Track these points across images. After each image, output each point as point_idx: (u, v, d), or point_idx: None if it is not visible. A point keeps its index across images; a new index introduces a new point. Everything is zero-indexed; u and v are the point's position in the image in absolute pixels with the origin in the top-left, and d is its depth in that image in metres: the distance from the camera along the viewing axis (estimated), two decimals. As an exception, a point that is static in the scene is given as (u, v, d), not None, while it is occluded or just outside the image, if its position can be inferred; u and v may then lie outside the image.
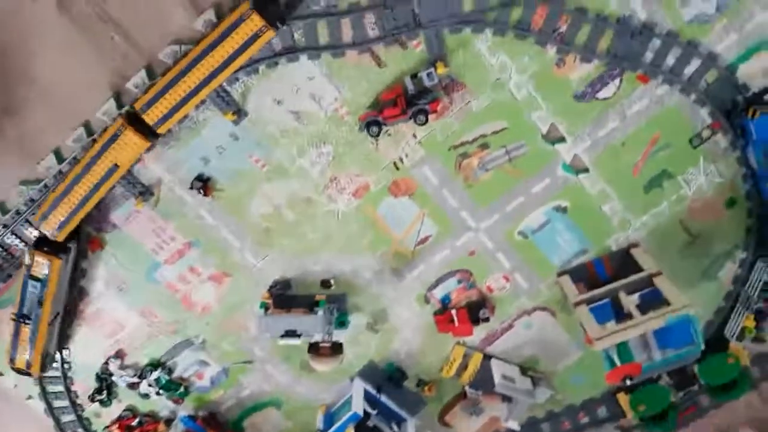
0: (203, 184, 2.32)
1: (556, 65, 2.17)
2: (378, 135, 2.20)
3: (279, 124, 2.27)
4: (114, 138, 2.15)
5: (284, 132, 2.28)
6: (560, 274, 2.50)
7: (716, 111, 2.20)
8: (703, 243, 2.44)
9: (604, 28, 2.11)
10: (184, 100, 2.11)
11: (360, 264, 2.51)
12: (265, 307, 2.44)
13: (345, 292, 2.58)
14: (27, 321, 2.37)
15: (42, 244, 2.29)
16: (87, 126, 2.21)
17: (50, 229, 2.26)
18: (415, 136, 2.29)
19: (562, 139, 2.29)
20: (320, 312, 2.44)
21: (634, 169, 2.32)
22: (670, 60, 2.15)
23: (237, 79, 2.18)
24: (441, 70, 2.13)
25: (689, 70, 2.16)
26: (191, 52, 2.05)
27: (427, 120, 2.18)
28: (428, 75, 2.14)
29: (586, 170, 2.33)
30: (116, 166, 2.21)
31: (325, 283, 2.56)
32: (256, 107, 2.24)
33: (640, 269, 2.35)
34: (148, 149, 2.22)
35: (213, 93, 2.17)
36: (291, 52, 2.17)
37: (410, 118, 2.17)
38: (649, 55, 2.15)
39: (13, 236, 2.33)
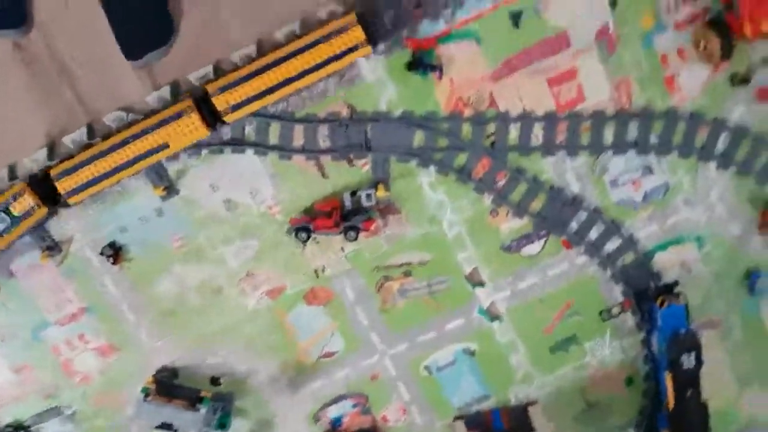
0: (114, 252, 2.26)
1: (490, 214, 2.27)
2: (306, 241, 2.21)
3: (209, 209, 2.26)
4: (177, 116, 2.08)
5: (213, 217, 2.27)
6: (457, 418, 2.50)
7: (629, 291, 2.32)
8: (598, 414, 2.50)
9: (538, 191, 2.23)
10: (261, 95, 2.10)
11: (257, 366, 2.45)
12: (147, 392, 2.33)
13: (233, 392, 2.49)
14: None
15: (36, 187, 2.18)
16: (12, 169, 2.12)
17: (67, 187, 2.17)
18: (342, 249, 2.31)
19: (482, 284, 2.36)
20: (203, 410, 2.35)
21: (548, 327, 2.40)
22: (593, 234, 2.28)
23: (177, 158, 2.16)
24: (381, 193, 2.20)
25: (609, 247, 2.28)
26: (278, 50, 2.04)
27: (357, 237, 2.21)
28: (367, 196, 2.20)
29: (500, 319, 2.38)
30: (166, 145, 2.12)
31: (215, 381, 2.47)
32: (191, 188, 2.24)
33: (533, 429, 2.37)
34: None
35: (149, 166, 2.12)
36: (238, 144, 2.20)
37: (341, 233, 2.19)
38: (574, 225, 2.28)
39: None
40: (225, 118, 2.09)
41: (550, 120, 2.17)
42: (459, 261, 2.33)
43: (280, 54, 2.02)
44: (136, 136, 2.10)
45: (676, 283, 2.25)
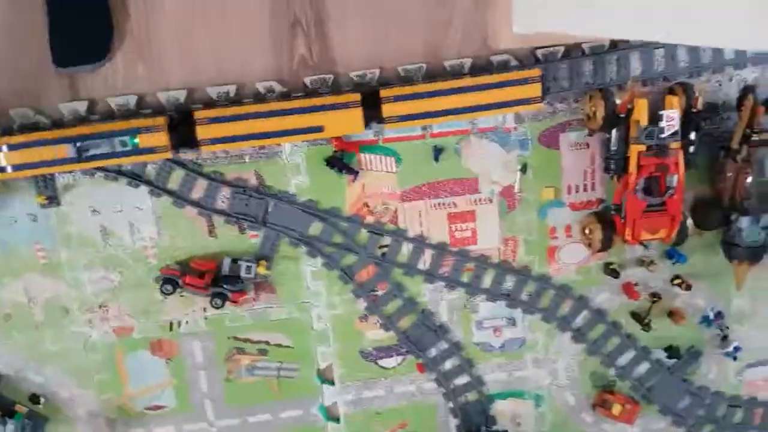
0: (-29, 244, 2.13)
1: (360, 318, 2.34)
2: (170, 294, 2.16)
3: (83, 230, 2.21)
4: (343, 106, 2.03)
5: (83, 239, 2.21)
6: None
7: (462, 427, 2.44)
8: None
9: (410, 311, 2.33)
10: (425, 115, 2.09)
11: (80, 398, 2.35)
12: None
13: (49, 416, 2.36)
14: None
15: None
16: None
17: (206, 134, 2.06)
18: (205, 310, 2.30)
19: (332, 382, 2.40)
20: (11, 425, 2.23)
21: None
22: (448, 365, 2.41)
23: (71, 172, 2.08)
24: (262, 269, 2.23)
25: (458, 382, 2.43)
26: (464, 79, 2.07)
27: (223, 305, 2.21)
28: (248, 267, 2.22)
29: (337, 420, 2.43)
30: (321, 128, 2.04)
31: (35, 399, 2.37)
32: (72, 205, 2.20)
33: None
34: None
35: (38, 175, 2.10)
36: (136, 178, 2.16)
37: (208, 296, 2.18)
38: (433, 352, 2.40)
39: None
40: (385, 124, 2.11)
41: (440, 251, 2.29)
42: (316, 354, 2.37)
43: (461, 84, 2.10)
44: (295, 111, 2.05)
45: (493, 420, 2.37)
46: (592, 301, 2.43)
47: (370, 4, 2.15)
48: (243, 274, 2.27)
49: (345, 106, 2.05)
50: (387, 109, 2.08)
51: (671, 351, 2.43)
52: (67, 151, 2.03)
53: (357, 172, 2.24)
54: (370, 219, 2.31)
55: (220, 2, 2.10)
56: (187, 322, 2.37)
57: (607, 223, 2.24)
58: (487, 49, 2.18)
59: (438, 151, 2.25)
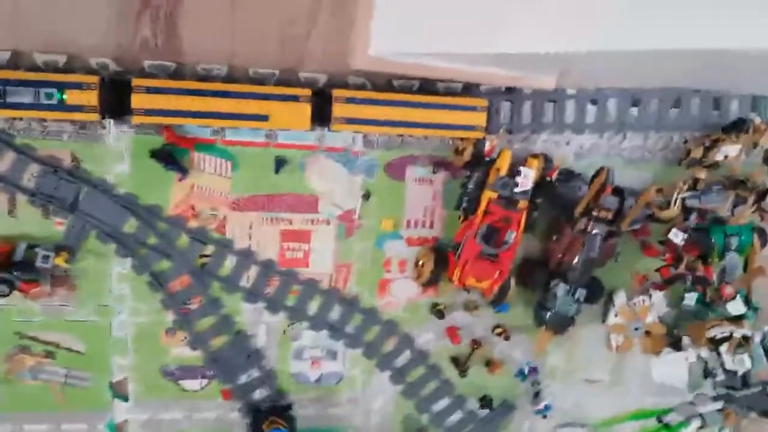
0: None
1: (166, 332, 2.16)
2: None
3: None
4: (291, 98, 2.01)
5: None
6: None
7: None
8: None
9: (223, 331, 2.25)
10: (371, 122, 2.10)
11: None
12: None
13: None
14: None
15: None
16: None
17: (141, 103, 1.89)
18: (-11, 298, 2.02)
19: (125, 398, 2.19)
20: None
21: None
22: (257, 395, 2.37)
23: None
24: (61, 261, 2.04)
25: (263, 406, 2.27)
26: (413, 95, 2.10)
27: (9, 294, 1.97)
28: (45, 257, 2.01)
29: (126, 441, 2.21)
30: (265, 117, 2.00)
31: None
32: None
33: None
34: None
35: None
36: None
37: (-6, 281, 1.93)
38: (243, 379, 2.37)
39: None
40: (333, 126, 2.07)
41: (267, 269, 2.18)
42: (112, 365, 2.16)
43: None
44: (241, 95, 1.94)
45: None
46: (415, 340, 2.41)
47: (226, 2, 2.05)
48: (38, 263, 2.05)
49: (295, 99, 2.00)
50: (337, 110, 2.05)
51: (484, 401, 2.44)
52: None
53: (186, 171, 2.10)
54: (194, 224, 2.17)
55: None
56: (-36, 309, 2.08)
57: (440, 258, 2.26)
58: (345, 68, 2.13)
59: (280, 163, 2.17)
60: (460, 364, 2.40)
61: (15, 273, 2.04)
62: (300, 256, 2.29)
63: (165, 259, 2.18)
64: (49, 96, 1.87)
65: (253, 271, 2.26)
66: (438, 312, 2.35)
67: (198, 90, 1.95)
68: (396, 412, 2.46)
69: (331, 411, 2.44)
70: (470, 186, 2.18)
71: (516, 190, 2.12)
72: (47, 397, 2.23)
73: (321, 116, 2.11)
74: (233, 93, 1.98)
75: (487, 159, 2.18)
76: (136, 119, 1.93)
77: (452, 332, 2.39)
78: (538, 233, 2.37)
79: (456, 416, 2.49)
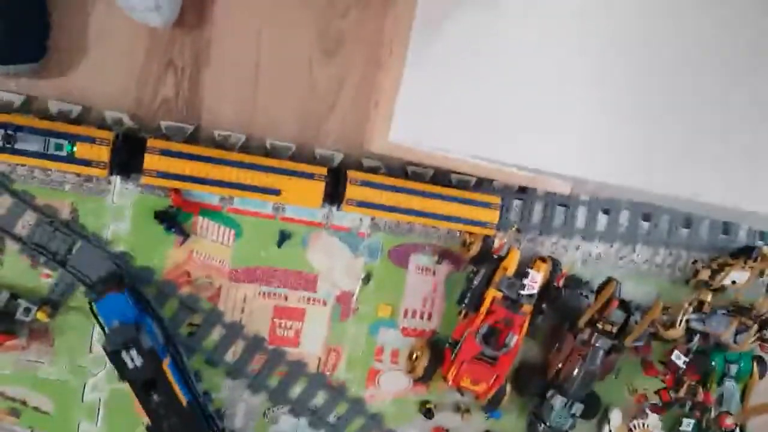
0: None
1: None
2: None
3: None
4: (308, 176, 2.01)
5: None
6: None
7: None
8: None
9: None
10: (385, 208, 2.11)
11: None
12: None
13: None
14: None
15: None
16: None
17: (153, 165, 1.88)
18: (-42, 345, 1.92)
19: (87, 467, 2.06)
20: None
21: None
22: None
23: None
24: (42, 316, 1.95)
25: None
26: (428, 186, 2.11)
27: (-18, 344, 1.86)
28: (26, 310, 1.96)
29: None
30: (277, 191, 1.98)
31: None
32: None
33: None
34: None
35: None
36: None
37: (-34, 330, 1.84)
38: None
39: None
40: (344, 206, 2.08)
41: (255, 345, 2.11)
42: (78, 430, 2.04)
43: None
44: (254, 167, 1.93)
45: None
46: (398, 439, 2.30)
47: (250, 69, 2.08)
48: (19, 315, 1.98)
49: (310, 176, 1.99)
50: (350, 192, 2.03)
51: None
52: None
53: (188, 236, 2.05)
54: (186, 290, 2.10)
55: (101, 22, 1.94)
56: (-70, 355, 1.98)
57: (436, 354, 2.19)
58: (361, 150, 2.13)
59: (284, 237, 2.14)
60: (443, 471, 2.31)
61: (-6, 323, 1.96)
62: (291, 335, 2.23)
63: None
64: (59, 147, 1.84)
65: (239, 346, 2.19)
66: (427, 411, 2.28)
67: (213, 158, 1.93)
68: (371, 507, 2.35)
69: (301, 506, 2.32)
70: (476, 282, 2.15)
71: (522, 292, 2.09)
72: (5, 459, 2.10)
73: (332, 194, 2.09)
74: (248, 164, 1.96)
75: (495, 256, 2.16)
76: (146, 180, 1.90)
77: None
78: (539, 340, 2.32)
79: None
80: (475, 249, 2.19)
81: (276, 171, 2.00)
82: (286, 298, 2.24)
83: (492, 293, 2.15)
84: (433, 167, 2.21)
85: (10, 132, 1.83)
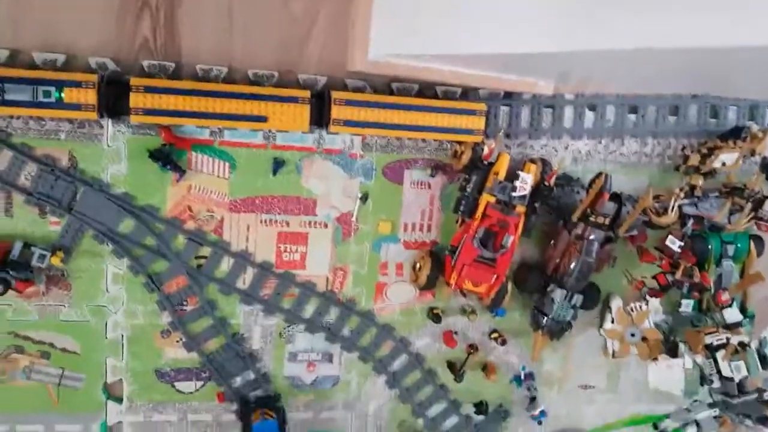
0: None
1: (162, 334, 2.17)
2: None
3: None
4: (291, 100, 2.05)
5: None
6: None
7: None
8: None
9: (219, 332, 2.22)
10: (372, 125, 2.12)
11: None
12: None
13: None
14: None
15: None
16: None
17: (139, 103, 1.91)
18: (-16, 297, 2.03)
19: (119, 400, 2.20)
20: None
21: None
22: (252, 398, 2.25)
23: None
24: (56, 261, 2.04)
25: (251, 397, 2.32)
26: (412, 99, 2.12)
27: (4, 293, 1.98)
28: (41, 256, 2.02)
29: (119, 442, 2.22)
30: (264, 118, 2.01)
31: None
32: None
33: None
34: None
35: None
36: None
37: (-12, 280, 1.95)
38: (238, 381, 2.31)
39: None
40: (331, 127, 2.10)
41: (264, 271, 2.20)
42: (106, 366, 2.18)
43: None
44: (239, 95, 1.96)
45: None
46: (412, 344, 2.42)
47: (223, 2, 2.09)
48: (34, 262, 2.06)
49: (294, 100, 2.02)
50: (336, 112, 2.06)
51: (480, 407, 2.45)
52: None
53: (184, 171, 2.12)
54: (191, 225, 2.18)
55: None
56: (-42, 307, 2.10)
57: (437, 262, 2.27)
58: (343, 71, 2.16)
59: (278, 165, 2.19)
60: (455, 369, 2.42)
61: (11, 272, 2.05)
62: (297, 258, 2.31)
63: (161, 260, 2.19)
64: (47, 94, 1.88)
65: (249, 273, 2.28)
66: (435, 316, 2.37)
67: (196, 90, 1.97)
68: (391, 417, 2.48)
69: (326, 414, 2.45)
70: (468, 189, 2.20)
71: (514, 194, 2.14)
72: (42, 397, 2.23)
73: (319, 118, 2.13)
74: (232, 93, 2.00)
75: (486, 163, 2.20)
76: (134, 119, 1.95)
77: (449, 336, 2.41)
78: (536, 238, 2.39)
79: (451, 421, 2.51)
80: (465, 158, 2.23)
81: (260, 98, 2.04)
82: (287, 224, 2.31)
83: (485, 198, 2.20)
84: (418, 81, 2.23)
85: None
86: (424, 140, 2.30)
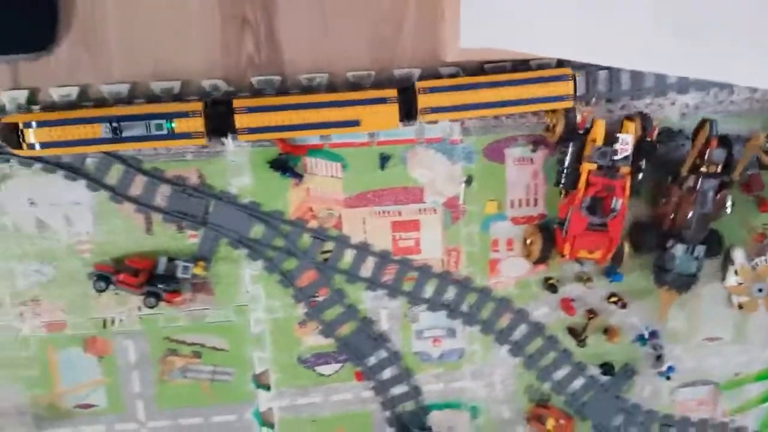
0: None
1: (299, 324, 2.36)
2: (103, 291, 2.16)
3: (17, 221, 2.23)
4: (379, 101, 2.08)
5: (17, 231, 2.22)
6: None
7: (397, 437, 2.47)
8: None
9: (350, 318, 2.38)
10: (459, 108, 2.14)
11: (6, 391, 2.37)
12: None
13: (-27, 414, 2.34)
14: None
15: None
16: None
17: (244, 123, 2.08)
18: (140, 309, 2.31)
19: (267, 388, 2.42)
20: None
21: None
22: (386, 374, 2.45)
23: (8, 161, 2.11)
24: (199, 270, 2.24)
25: (395, 391, 2.49)
26: (494, 76, 2.13)
27: (156, 305, 2.21)
28: (185, 268, 2.23)
29: (272, 426, 2.45)
30: (357, 122, 2.07)
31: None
32: (8, 195, 2.22)
33: None
34: None
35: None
36: (74, 171, 2.16)
37: (142, 295, 2.18)
38: (372, 360, 2.45)
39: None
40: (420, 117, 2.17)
41: (383, 259, 2.33)
42: (252, 359, 2.39)
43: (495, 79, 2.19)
44: (332, 104, 2.08)
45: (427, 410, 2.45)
46: (530, 315, 2.49)
47: (316, 6, 2.18)
48: (179, 274, 2.29)
49: (383, 101, 2.10)
50: (423, 101, 2.13)
51: (606, 368, 2.51)
52: (101, 130, 2.03)
53: (301, 176, 2.27)
54: (313, 224, 2.34)
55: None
56: (121, 320, 2.37)
57: (548, 235, 2.31)
58: (437, 61, 2.22)
59: (384, 159, 2.30)
60: (577, 334, 2.48)
61: (160, 286, 2.29)
62: (411, 245, 2.43)
63: (291, 258, 2.38)
64: (159, 127, 2.05)
65: (370, 262, 2.42)
66: (550, 286, 2.43)
67: (293, 104, 2.09)
68: (518, 383, 2.58)
69: (455, 385, 2.59)
70: (567, 161, 2.20)
71: (615, 157, 2.12)
72: (198, 393, 2.49)
73: (409, 111, 2.19)
74: (324, 103, 2.10)
75: (581, 131, 2.19)
76: (241, 137, 2.10)
77: (567, 304, 2.46)
78: (645, 195, 2.35)
79: (578, 382, 2.58)
80: (559, 129, 2.23)
81: (351, 103, 2.12)
82: (399, 214, 2.43)
83: (586, 167, 2.19)
84: (510, 61, 2.26)
85: (114, 124, 2.05)
86: (521, 116, 2.33)
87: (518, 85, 2.18)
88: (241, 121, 2.11)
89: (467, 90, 2.16)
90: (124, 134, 2.07)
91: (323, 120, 2.14)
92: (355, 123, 2.13)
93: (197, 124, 2.08)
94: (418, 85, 2.15)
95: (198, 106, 2.09)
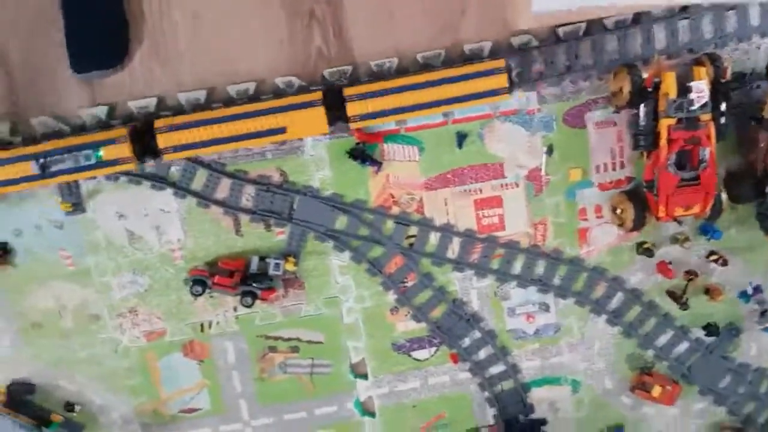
0: (2, 252, 2.19)
1: (391, 311, 2.36)
2: (200, 295, 2.20)
3: (110, 235, 2.27)
4: (302, 105, 2.07)
5: (110, 244, 2.27)
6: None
7: (499, 417, 2.44)
8: None
9: (441, 301, 2.37)
10: (392, 112, 2.12)
11: (113, 403, 2.42)
12: (-6, 401, 2.25)
13: (84, 424, 2.42)
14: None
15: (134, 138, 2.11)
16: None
17: (168, 142, 2.11)
18: (235, 309, 2.35)
19: (365, 377, 2.43)
20: (46, 433, 2.29)
21: (415, 434, 2.50)
22: (482, 354, 2.44)
23: (95, 177, 2.13)
24: (290, 266, 2.26)
25: (493, 371, 2.46)
26: (422, 75, 2.09)
27: (253, 304, 2.24)
28: (276, 265, 2.26)
29: (373, 415, 2.45)
30: (283, 129, 2.09)
31: (70, 407, 2.45)
32: (97, 210, 2.26)
33: None
34: None
35: (63, 182, 2.14)
36: (159, 180, 2.21)
37: (238, 295, 2.21)
38: (467, 341, 2.43)
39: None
40: (350, 123, 2.16)
41: (468, 239, 2.31)
42: (348, 349, 2.41)
43: (423, 79, 2.12)
44: (256, 113, 2.10)
45: (544, 421, 2.40)
46: (626, 282, 2.43)
47: (381, -1, 2.15)
48: (271, 271, 2.31)
49: (308, 105, 2.09)
50: (352, 109, 2.11)
51: (710, 329, 2.43)
52: (30, 168, 2.10)
53: (380, 163, 2.26)
54: (395, 210, 2.34)
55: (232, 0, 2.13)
56: (218, 322, 2.41)
57: (638, 201, 2.24)
58: (507, 31, 2.18)
59: (461, 138, 2.27)
60: (677, 297, 2.40)
61: (254, 284, 2.32)
62: (496, 222, 2.40)
63: (377, 246, 2.37)
64: (88, 158, 2.10)
65: (455, 243, 2.40)
66: (646, 251, 2.36)
67: (215, 119, 2.10)
68: (618, 353, 2.52)
69: (553, 360, 2.54)
70: (642, 123, 2.10)
71: (693, 107, 2.02)
72: (298, 387, 2.52)
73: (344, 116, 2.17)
74: (249, 113, 2.11)
75: (650, 89, 2.10)
76: (167, 157, 2.13)
77: (664, 267, 2.39)
78: (732, 142, 2.23)
79: (681, 347, 2.50)
80: (626, 90, 2.12)
81: (275, 111, 2.11)
82: (480, 191, 2.40)
83: (665, 123, 2.08)
84: (584, 22, 2.20)
85: (42, 161, 2.09)
86: (599, 77, 2.27)
87: (454, 83, 2.12)
88: (164, 140, 2.12)
89: (400, 92, 2.11)
90: (54, 168, 2.10)
91: (249, 131, 2.13)
92: (281, 130, 2.12)
93: (124, 150, 2.10)
94: (347, 92, 2.12)
95: (123, 132, 2.11)
